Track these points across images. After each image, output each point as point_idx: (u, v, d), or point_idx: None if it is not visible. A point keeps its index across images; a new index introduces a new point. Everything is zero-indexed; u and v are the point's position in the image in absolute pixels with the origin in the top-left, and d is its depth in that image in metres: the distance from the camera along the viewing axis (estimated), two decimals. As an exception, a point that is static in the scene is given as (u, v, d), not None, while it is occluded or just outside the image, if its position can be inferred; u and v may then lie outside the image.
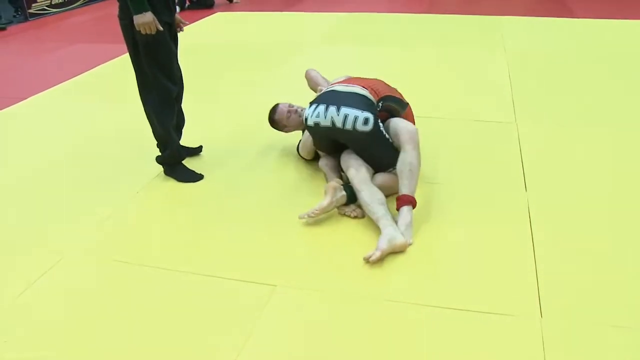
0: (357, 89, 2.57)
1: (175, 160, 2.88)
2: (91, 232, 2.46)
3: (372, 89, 2.59)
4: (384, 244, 2.17)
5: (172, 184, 2.84)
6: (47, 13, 7.75)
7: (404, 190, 2.39)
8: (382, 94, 2.61)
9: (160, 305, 2.01)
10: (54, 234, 2.45)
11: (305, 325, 1.90)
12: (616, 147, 3.12)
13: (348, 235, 2.38)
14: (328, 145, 2.69)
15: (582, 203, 2.57)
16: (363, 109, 2.45)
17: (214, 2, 7.80)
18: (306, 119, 2.61)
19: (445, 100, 3.91)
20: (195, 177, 2.87)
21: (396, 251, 2.21)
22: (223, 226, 2.48)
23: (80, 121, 3.75)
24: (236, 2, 8.03)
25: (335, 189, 2.44)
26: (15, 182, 2.94)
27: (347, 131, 2.46)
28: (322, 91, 2.72)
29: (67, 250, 2.33)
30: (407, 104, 2.78)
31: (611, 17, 6.31)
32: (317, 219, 2.46)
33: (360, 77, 2.79)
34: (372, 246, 2.25)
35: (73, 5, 8.23)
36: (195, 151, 3.11)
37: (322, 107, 2.51)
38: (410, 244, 2.26)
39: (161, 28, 2.53)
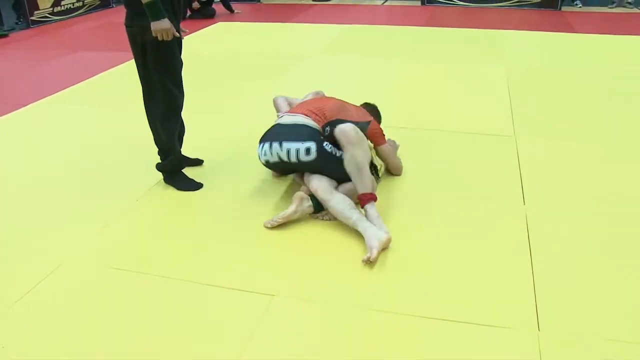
0: (299, 119, 2.64)
1: (176, 169, 2.89)
2: (90, 239, 2.47)
3: (317, 114, 2.65)
4: (375, 243, 2.25)
5: (172, 192, 2.85)
6: (49, 20, 7.79)
7: (361, 189, 2.47)
8: (331, 118, 2.64)
9: (158, 313, 2.00)
10: (54, 240, 2.45)
11: (303, 336, 1.90)
12: (614, 161, 3.14)
13: (346, 244, 2.38)
14: (288, 172, 2.79)
15: (580, 216, 2.58)
16: (304, 140, 2.53)
17: (215, 12, 7.85)
18: (259, 157, 2.69)
19: (444, 113, 3.93)
20: (194, 185, 2.88)
21: (385, 247, 2.30)
22: (222, 235, 2.48)
23: (80, 128, 3.76)
24: (237, 13, 8.09)
25: (301, 199, 2.52)
26: (15, 189, 2.95)
27: (293, 163, 2.56)
28: (269, 127, 2.74)
29: (66, 257, 2.33)
30: (368, 122, 2.78)
31: (610, 33, 6.37)
32: (325, 225, 2.48)
33: (315, 99, 2.86)
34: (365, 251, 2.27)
35: (75, 13, 8.28)
36: (195, 162, 3.12)
37: (267, 145, 2.61)
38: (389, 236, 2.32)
39: (178, 34, 2.57)
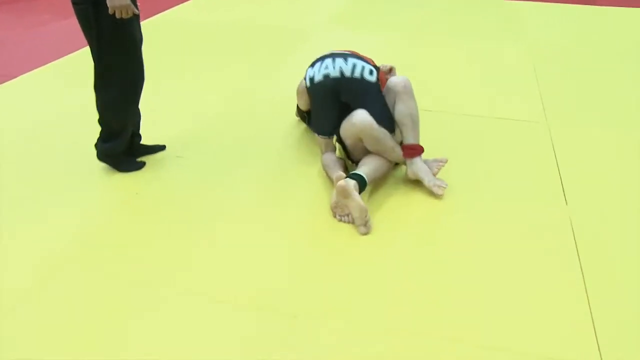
0: (352, 55, 2.58)
1: (118, 152, 2.64)
2: (88, 240, 2.21)
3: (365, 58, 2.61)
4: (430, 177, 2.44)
5: (173, 185, 2.57)
6: (39, -18, 7.34)
7: (412, 140, 2.45)
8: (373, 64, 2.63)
9: (171, 333, 1.77)
10: (46, 235, 2.20)
11: (331, 364, 1.67)
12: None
13: (371, 254, 2.14)
14: (326, 105, 2.56)
15: (632, 221, 2.33)
16: (368, 63, 2.52)
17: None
18: (312, 78, 2.55)
19: (467, 94, 3.64)
20: (135, 165, 2.67)
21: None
22: (236, 242, 2.22)
23: (73, 106, 3.44)
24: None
25: (347, 188, 2.20)
26: (3, 174, 2.67)
27: (355, 79, 2.45)
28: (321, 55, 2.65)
29: (63, 259, 2.08)
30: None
31: (637, 5, 6.01)
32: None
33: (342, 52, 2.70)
34: (394, 268, 2.06)
35: (67, -26, 7.82)
36: (156, 149, 2.84)
37: (329, 60, 2.53)
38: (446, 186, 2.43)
39: (137, 11, 2.30)
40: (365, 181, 2.32)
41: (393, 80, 2.47)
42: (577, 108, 3.42)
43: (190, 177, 2.64)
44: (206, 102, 3.47)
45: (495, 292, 1.94)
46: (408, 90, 2.44)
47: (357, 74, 2.45)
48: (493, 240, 2.20)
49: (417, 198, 2.46)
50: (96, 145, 2.64)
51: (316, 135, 2.66)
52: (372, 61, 2.65)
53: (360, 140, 2.45)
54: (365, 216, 2.19)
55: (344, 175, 2.31)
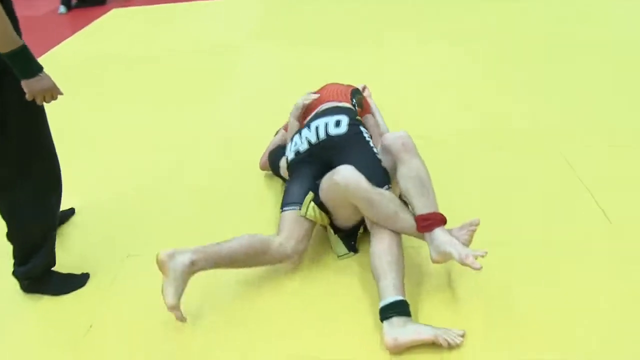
0: (329, 105, 2.32)
1: (47, 269, 1.97)
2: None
3: (344, 94, 2.41)
4: (461, 248, 1.72)
5: (135, 304, 1.92)
6: None
7: (426, 208, 1.82)
8: (350, 90, 2.46)
9: None
10: None
11: None
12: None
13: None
14: (300, 175, 2.17)
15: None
16: (334, 114, 2.19)
17: (105, -3, 6.55)
18: (287, 158, 2.27)
19: (441, 111, 3.17)
20: (78, 281, 2.00)
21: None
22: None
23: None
24: (132, -6, 6.83)
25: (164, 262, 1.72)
26: None
27: (322, 142, 2.13)
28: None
29: None
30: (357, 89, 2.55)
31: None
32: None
33: (320, 92, 2.49)
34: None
35: None
36: (67, 216, 2.35)
37: (296, 136, 2.26)
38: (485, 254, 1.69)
39: (62, 92, 1.70)
40: (407, 304, 1.71)
41: (388, 139, 1.98)
42: (576, 118, 2.97)
43: (152, 286, 1.98)
44: (140, 167, 2.78)
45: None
46: (408, 148, 1.92)
47: (321, 134, 2.14)
48: (562, 298, 1.78)
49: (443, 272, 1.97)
50: (14, 273, 1.93)
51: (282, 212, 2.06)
52: (342, 88, 2.45)
53: (350, 204, 1.91)
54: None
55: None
